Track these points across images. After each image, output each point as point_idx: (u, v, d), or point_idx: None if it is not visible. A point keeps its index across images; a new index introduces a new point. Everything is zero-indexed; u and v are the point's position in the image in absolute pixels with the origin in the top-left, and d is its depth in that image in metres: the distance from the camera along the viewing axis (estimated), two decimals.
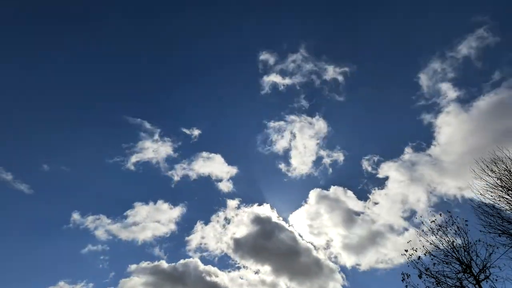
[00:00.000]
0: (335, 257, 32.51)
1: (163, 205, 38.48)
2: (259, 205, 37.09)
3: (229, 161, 42.34)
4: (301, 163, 40.58)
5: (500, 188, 12.79)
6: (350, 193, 32.92)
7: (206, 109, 48.41)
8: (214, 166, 40.52)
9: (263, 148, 43.22)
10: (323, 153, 40.22)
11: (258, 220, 34.01)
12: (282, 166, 41.43)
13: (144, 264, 33.36)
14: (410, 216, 30.79)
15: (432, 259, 13.61)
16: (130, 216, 38.32)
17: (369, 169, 35.84)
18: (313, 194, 35.67)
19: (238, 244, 32.88)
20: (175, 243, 38.07)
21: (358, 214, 32.61)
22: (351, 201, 32.65)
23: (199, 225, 37.62)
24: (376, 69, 45.18)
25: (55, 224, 39.54)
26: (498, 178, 12.91)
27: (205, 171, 40.50)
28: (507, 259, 12.33)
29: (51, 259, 39.10)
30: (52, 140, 46.81)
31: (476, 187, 13.44)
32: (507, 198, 12.64)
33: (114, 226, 37.84)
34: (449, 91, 33.57)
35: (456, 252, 13.20)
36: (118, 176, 42.98)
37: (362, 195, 36.03)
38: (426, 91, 37.09)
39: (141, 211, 38.53)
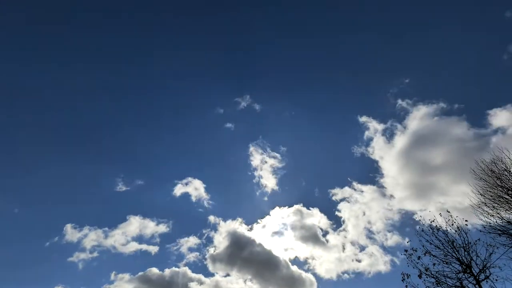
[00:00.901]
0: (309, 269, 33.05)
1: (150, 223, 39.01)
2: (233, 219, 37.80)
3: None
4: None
5: (500, 188, 12.86)
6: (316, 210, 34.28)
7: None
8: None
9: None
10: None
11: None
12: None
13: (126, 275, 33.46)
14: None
15: (432, 259, 13.59)
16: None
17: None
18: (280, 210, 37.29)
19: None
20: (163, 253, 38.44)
21: (324, 231, 33.70)
22: (317, 219, 34.12)
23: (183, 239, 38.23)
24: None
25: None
26: (497, 178, 12.99)
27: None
28: (507, 259, 12.36)
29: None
30: None
31: (476, 187, 13.50)
32: (506, 198, 12.70)
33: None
34: None
35: (456, 252, 13.18)
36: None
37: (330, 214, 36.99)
38: None
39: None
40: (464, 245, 13.07)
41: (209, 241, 38.29)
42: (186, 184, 42.21)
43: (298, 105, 48.24)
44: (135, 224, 38.85)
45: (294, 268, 33.06)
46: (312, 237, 33.71)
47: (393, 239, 32.26)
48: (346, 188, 36.50)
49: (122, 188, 42.84)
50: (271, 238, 35.56)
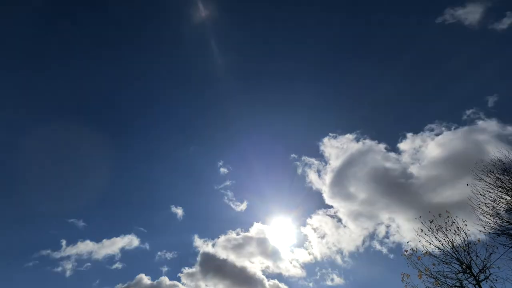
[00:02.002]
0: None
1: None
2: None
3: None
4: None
5: (500, 189, 12.89)
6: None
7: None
8: None
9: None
10: None
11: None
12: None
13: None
14: None
15: (431, 259, 13.58)
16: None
17: None
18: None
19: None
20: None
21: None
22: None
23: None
24: None
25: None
26: (497, 178, 13.03)
27: None
28: (507, 259, 12.35)
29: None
30: None
31: (476, 188, 13.53)
32: (506, 199, 12.73)
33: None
34: None
35: (456, 252, 13.17)
36: None
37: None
38: None
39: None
40: (464, 245, 13.07)
41: None
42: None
43: None
44: None
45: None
46: None
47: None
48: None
49: None
50: None
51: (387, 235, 33.22)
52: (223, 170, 45.66)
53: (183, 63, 50.80)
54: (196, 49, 49.11)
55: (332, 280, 33.83)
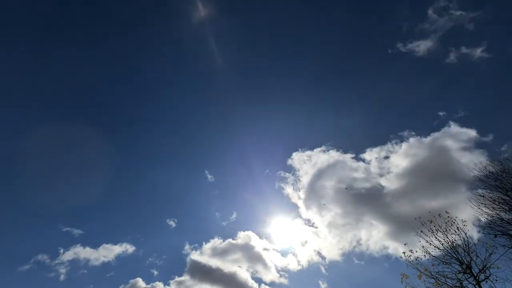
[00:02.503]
0: None
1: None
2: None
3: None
4: None
5: (499, 189, 13.00)
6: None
7: None
8: None
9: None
10: None
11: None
12: None
13: None
14: None
15: (431, 260, 13.53)
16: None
17: None
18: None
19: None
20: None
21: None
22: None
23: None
24: None
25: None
26: (496, 179, 13.16)
27: None
28: (507, 260, 12.34)
29: None
30: None
31: (476, 188, 13.64)
32: (505, 199, 12.83)
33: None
34: None
35: (456, 253, 13.15)
36: None
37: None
38: None
39: None
40: (464, 246, 13.06)
41: None
42: None
43: None
44: None
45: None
46: None
47: None
48: None
49: None
50: None
51: (363, 244, 33.75)
52: (210, 177, 45.30)
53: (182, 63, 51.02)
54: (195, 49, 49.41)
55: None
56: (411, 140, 36.71)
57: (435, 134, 35.34)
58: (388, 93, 45.09)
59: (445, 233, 13.70)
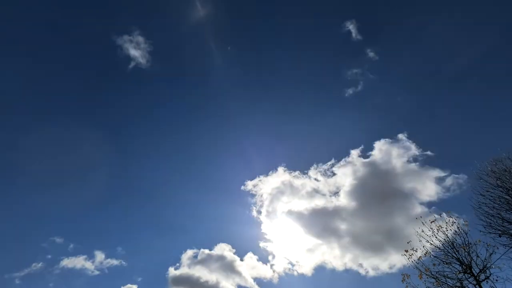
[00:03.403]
0: None
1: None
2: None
3: None
4: None
5: (500, 189, 12.84)
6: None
7: None
8: None
9: None
10: None
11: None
12: None
13: None
14: None
15: (432, 260, 13.60)
16: None
17: None
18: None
19: None
20: None
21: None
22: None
23: None
24: None
25: None
26: (497, 178, 12.97)
27: None
28: (507, 260, 12.35)
29: None
30: None
31: (477, 187, 13.49)
32: (506, 198, 12.68)
33: None
34: None
35: (456, 253, 13.18)
36: None
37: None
38: None
39: None
40: (464, 246, 13.07)
41: None
42: None
43: None
44: None
45: None
46: None
47: None
48: None
49: None
50: None
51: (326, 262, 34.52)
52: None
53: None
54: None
55: None
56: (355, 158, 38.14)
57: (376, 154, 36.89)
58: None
59: (446, 232, 13.73)
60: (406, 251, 14.44)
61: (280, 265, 36.00)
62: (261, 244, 38.01)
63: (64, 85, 49.32)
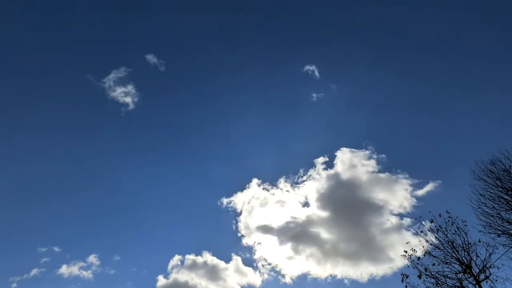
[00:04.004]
0: None
1: None
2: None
3: None
4: None
5: (500, 189, 12.90)
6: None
7: None
8: None
9: None
10: None
11: None
12: None
13: None
14: None
15: (431, 259, 13.53)
16: None
17: None
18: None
19: None
20: None
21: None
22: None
23: None
24: None
25: None
26: (497, 178, 13.03)
27: None
28: (507, 259, 12.36)
29: None
30: None
31: (476, 188, 13.54)
32: (506, 199, 12.73)
33: None
34: None
35: (456, 252, 13.14)
36: None
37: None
38: None
39: None
40: (464, 245, 13.05)
41: None
42: None
43: None
44: None
45: None
46: None
47: None
48: None
49: None
50: None
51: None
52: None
53: None
54: None
55: None
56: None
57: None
58: None
59: (445, 232, 13.70)
60: (406, 251, 14.39)
61: (263, 273, 36.05)
62: (242, 254, 38.16)
63: None
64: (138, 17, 50.00)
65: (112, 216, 45.51)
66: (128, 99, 43.99)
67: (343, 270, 32.90)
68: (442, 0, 45.04)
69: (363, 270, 31.42)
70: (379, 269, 31.16)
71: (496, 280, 12.22)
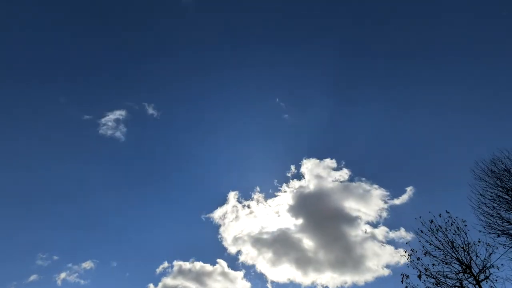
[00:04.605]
0: None
1: None
2: None
3: None
4: None
5: (500, 188, 12.89)
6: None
7: None
8: None
9: None
10: None
11: None
12: None
13: None
14: None
15: (431, 259, 13.51)
16: None
17: None
18: None
19: None
20: None
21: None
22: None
23: None
24: None
25: None
26: (497, 178, 13.02)
27: None
28: (507, 259, 12.36)
29: None
30: None
31: (476, 188, 13.53)
32: (506, 198, 12.73)
33: None
34: None
35: (456, 252, 13.14)
36: None
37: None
38: None
39: None
40: (464, 245, 13.04)
41: None
42: None
43: None
44: None
45: None
46: None
47: None
48: None
49: None
50: None
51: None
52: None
53: None
54: None
55: None
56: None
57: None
58: None
59: (445, 232, 13.68)
60: (405, 251, 14.36)
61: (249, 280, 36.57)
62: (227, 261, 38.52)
63: None
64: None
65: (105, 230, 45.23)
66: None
67: (322, 277, 33.50)
68: None
69: (345, 278, 32.07)
70: (360, 278, 31.58)
71: (496, 280, 12.23)
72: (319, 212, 37.76)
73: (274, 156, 48.20)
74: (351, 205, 36.65)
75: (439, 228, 13.84)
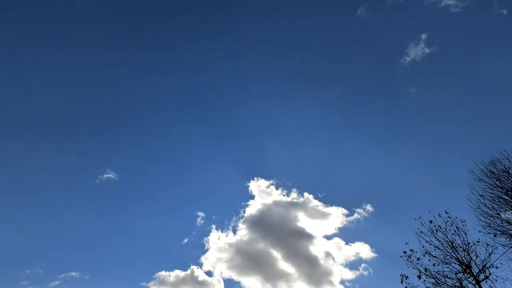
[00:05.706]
0: None
1: None
2: None
3: None
4: None
5: (499, 189, 12.93)
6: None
7: None
8: None
9: None
10: None
11: None
12: None
13: None
14: None
15: (431, 260, 13.53)
16: None
17: None
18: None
19: None
20: None
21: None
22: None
23: None
24: None
25: None
26: (497, 178, 13.06)
27: None
28: (506, 259, 12.39)
29: None
30: None
31: (475, 188, 13.56)
32: (506, 199, 12.77)
33: None
34: None
35: (456, 253, 13.17)
36: None
37: None
38: None
39: None
40: (464, 246, 13.07)
41: None
42: None
43: None
44: None
45: None
46: None
47: None
48: None
49: None
50: None
51: None
52: None
53: None
54: None
55: None
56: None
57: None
58: None
59: (445, 232, 13.71)
60: (405, 252, 14.38)
61: None
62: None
63: None
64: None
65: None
66: None
67: None
68: None
69: None
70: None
71: (496, 280, 12.25)
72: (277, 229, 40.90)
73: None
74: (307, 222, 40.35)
75: (439, 228, 13.88)
